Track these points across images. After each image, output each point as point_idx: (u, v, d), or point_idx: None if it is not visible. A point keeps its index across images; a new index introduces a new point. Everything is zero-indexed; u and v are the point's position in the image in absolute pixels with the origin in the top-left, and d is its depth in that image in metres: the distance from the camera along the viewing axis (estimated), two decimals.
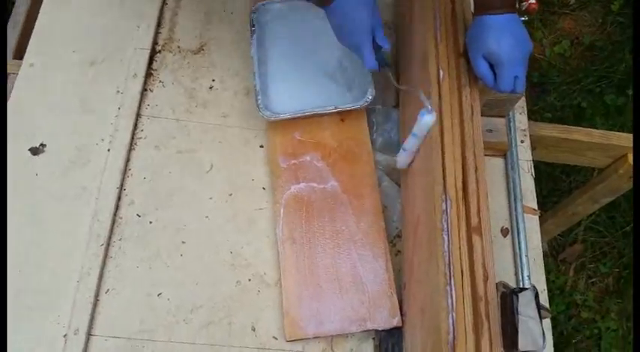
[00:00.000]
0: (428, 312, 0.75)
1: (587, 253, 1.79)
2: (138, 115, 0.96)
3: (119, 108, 0.95)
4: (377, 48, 0.82)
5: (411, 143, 0.86)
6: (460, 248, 0.74)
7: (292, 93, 0.98)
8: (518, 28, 0.78)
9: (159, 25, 1.03)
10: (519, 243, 0.97)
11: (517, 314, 0.67)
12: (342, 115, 0.97)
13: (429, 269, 0.76)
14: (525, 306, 0.67)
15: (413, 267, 0.84)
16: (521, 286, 0.91)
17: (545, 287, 0.97)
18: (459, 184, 0.78)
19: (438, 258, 0.73)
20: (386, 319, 0.86)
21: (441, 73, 0.84)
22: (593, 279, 1.77)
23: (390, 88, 1.07)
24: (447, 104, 0.82)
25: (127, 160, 0.92)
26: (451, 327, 0.70)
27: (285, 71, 0.99)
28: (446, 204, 0.76)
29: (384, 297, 0.87)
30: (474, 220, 0.76)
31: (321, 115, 0.95)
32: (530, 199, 1.04)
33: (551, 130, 1.14)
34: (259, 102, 0.93)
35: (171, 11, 1.06)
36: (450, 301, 0.71)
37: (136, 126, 0.95)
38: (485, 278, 0.73)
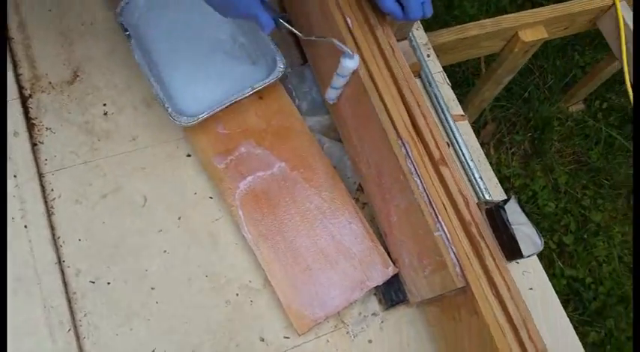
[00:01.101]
0: (426, 254, 0.75)
1: (500, 129, 1.91)
2: (40, 176, 0.83)
3: (15, 177, 0.82)
4: (265, 6, 0.74)
5: (338, 82, 0.83)
6: (434, 184, 0.74)
7: (199, 88, 0.89)
8: None
9: (15, 66, 0.88)
10: (463, 153, 1.00)
11: (510, 225, 0.69)
12: (259, 93, 0.90)
13: (412, 215, 0.76)
14: (513, 215, 0.69)
15: (390, 216, 0.84)
16: (482, 194, 0.94)
17: (497, 181, 1.02)
18: (409, 124, 0.76)
19: (419, 202, 0.73)
20: (381, 272, 0.86)
21: (348, 19, 0.79)
22: (512, 149, 1.90)
23: (291, 47, 1.01)
24: (366, 50, 0.78)
25: (52, 229, 0.81)
26: (455, 259, 0.71)
27: (181, 67, 0.90)
28: (405, 148, 0.75)
29: (372, 253, 0.86)
30: (436, 153, 0.75)
31: (239, 101, 0.88)
32: (455, 107, 1.06)
33: (449, 35, 1.15)
34: (169, 109, 0.84)
35: (22, 45, 0.90)
36: (444, 237, 0.72)
37: (43, 188, 0.83)
38: (467, 203, 0.74)
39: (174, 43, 0.91)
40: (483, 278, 0.71)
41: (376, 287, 0.87)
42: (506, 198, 0.70)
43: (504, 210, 0.68)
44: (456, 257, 0.71)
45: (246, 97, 0.88)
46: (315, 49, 0.94)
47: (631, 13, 1.31)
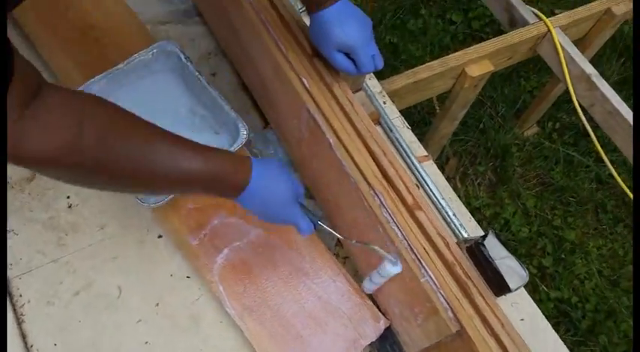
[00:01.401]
0: (416, 301, 0.74)
1: (462, 162, 1.95)
2: (6, 282, 0.79)
3: None
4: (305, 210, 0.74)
5: (377, 279, 0.79)
6: (412, 230, 0.74)
7: None
8: (353, 10, 0.78)
9: None
10: (433, 193, 1.01)
11: (492, 260, 0.69)
12: None
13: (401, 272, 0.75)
14: (494, 249, 0.69)
15: (372, 261, 0.82)
16: (459, 232, 0.95)
17: (470, 215, 1.03)
18: (379, 174, 0.77)
19: (400, 251, 0.72)
20: (373, 327, 0.84)
21: (304, 80, 0.81)
22: (478, 180, 1.94)
23: (250, 111, 1.02)
24: (326, 107, 0.80)
25: (23, 337, 0.76)
26: (445, 303, 0.70)
27: None
28: (378, 197, 0.75)
29: (361, 309, 0.85)
30: (409, 199, 0.76)
31: None
32: (417, 148, 1.08)
33: (401, 81, 1.19)
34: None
35: None
36: (431, 282, 0.71)
37: (10, 294, 0.78)
38: (447, 244, 0.74)
39: None
40: (476, 319, 0.70)
41: (371, 344, 0.85)
42: (484, 234, 0.70)
43: (484, 246, 0.69)
44: (445, 300, 0.70)
45: None
46: (276, 112, 0.95)
47: (566, 37, 1.38)
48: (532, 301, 0.92)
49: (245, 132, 0.89)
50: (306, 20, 0.83)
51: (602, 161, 2.01)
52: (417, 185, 1.02)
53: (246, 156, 0.77)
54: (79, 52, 0.97)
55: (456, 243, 0.74)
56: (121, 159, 0.57)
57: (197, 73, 0.93)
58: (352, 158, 0.78)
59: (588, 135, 2.08)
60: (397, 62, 2.10)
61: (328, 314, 0.84)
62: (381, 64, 0.82)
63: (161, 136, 0.61)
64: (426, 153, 1.09)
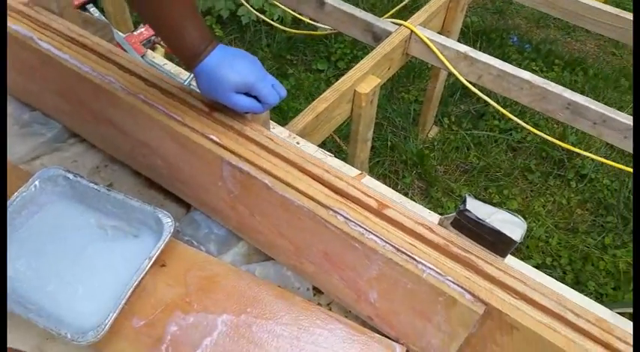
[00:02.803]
0: (428, 303, 0.67)
1: (388, 181, 1.95)
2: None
3: None
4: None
5: None
6: (389, 230, 0.68)
7: (87, 293, 0.75)
8: (235, 50, 0.76)
9: None
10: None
11: (483, 221, 0.64)
12: (159, 261, 0.79)
13: (390, 275, 0.68)
14: (480, 211, 0.65)
15: (368, 295, 0.74)
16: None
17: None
18: (329, 192, 0.71)
19: (388, 257, 0.65)
20: None
21: (212, 137, 0.75)
22: (409, 191, 1.94)
23: (165, 205, 0.93)
24: (246, 152, 0.74)
25: None
26: (458, 288, 0.64)
27: (56, 281, 0.76)
28: (340, 215, 0.69)
29: (370, 346, 0.75)
30: (371, 202, 0.70)
31: (142, 281, 0.76)
32: (349, 170, 1.04)
33: (303, 119, 1.17)
34: (67, 335, 0.69)
35: None
36: (433, 273, 0.65)
37: None
38: (430, 229, 0.68)
39: (38, 261, 0.78)
40: (497, 289, 0.64)
41: None
42: (462, 201, 0.65)
43: (469, 210, 0.64)
44: (457, 285, 0.64)
45: (147, 273, 0.76)
46: (195, 187, 0.87)
47: (429, 31, 1.45)
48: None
49: (170, 221, 0.80)
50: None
51: (507, 131, 2.13)
52: None
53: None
54: None
55: (439, 224, 0.69)
56: None
57: (92, 185, 0.83)
58: (296, 189, 0.71)
59: (482, 115, 2.21)
60: (288, 120, 2.11)
61: None
62: (283, 92, 0.79)
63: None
64: (359, 172, 1.05)
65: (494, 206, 0.65)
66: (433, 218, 0.95)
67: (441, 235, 0.68)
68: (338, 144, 1.95)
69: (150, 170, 0.94)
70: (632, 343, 0.60)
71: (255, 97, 0.77)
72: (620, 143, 1.33)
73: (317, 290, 0.84)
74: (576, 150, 1.51)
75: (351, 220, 0.68)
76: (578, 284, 1.72)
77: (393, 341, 0.76)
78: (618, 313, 0.80)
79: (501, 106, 1.52)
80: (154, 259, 0.77)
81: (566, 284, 0.89)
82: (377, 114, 2.11)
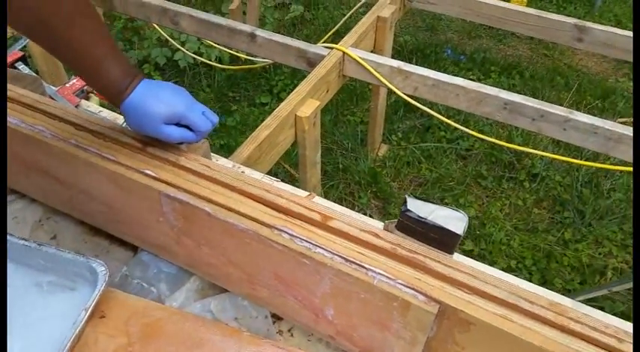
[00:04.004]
0: (384, 310, 0.65)
1: (345, 204, 1.95)
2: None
3: None
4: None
5: None
6: (335, 242, 0.67)
7: (32, 349, 0.71)
8: (160, 83, 0.75)
9: None
10: None
11: (425, 219, 0.64)
12: (98, 312, 0.75)
13: (342, 288, 0.66)
14: (421, 210, 0.65)
15: (324, 312, 0.72)
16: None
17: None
18: (272, 212, 0.70)
19: (338, 269, 0.64)
20: None
21: (147, 171, 0.73)
22: (368, 212, 1.94)
23: (111, 250, 0.89)
24: (185, 183, 0.73)
25: None
26: (410, 291, 0.63)
27: None
28: (285, 232, 0.67)
29: None
30: (315, 215, 0.69)
31: (81, 335, 0.72)
32: (298, 193, 1.03)
33: (247, 149, 1.17)
34: None
35: None
36: (384, 278, 0.64)
37: None
38: (376, 235, 0.68)
39: None
40: (448, 287, 0.63)
41: None
42: (403, 202, 0.65)
43: (410, 210, 0.64)
44: (408, 287, 0.63)
45: (85, 324, 0.72)
46: (137, 226, 0.84)
47: (361, 51, 1.48)
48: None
49: (103, 268, 0.77)
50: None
51: (454, 141, 2.18)
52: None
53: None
54: None
55: (384, 230, 0.69)
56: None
57: (22, 241, 0.80)
58: (238, 212, 0.70)
59: (429, 128, 2.25)
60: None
61: None
62: (215, 119, 0.78)
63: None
64: (308, 193, 1.04)
65: (434, 203, 0.65)
66: (379, 225, 0.95)
67: (387, 240, 0.67)
68: (288, 171, 1.95)
69: (91, 217, 0.90)
70: (587, 323, 0.60)
71: (186, 127, 0.76)
72: (560, 135, 1.38)
73: (276, 317, 0.82)
74: (525, 149, 1.55)
75: (296, 236, 0.67)
76: (545, 284, 1.74)
77: None
78: (580, 301, 0.81)
79: (445, 117, 1.55)
80: (89, 310, 0.72)
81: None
82: (325, 139, 2.14)
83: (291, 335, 0.80)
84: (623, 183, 2.03)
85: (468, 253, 1.81)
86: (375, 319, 0.67)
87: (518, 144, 2.10)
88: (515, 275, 1.69)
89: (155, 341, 0.74)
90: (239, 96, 2.38)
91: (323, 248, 0.66)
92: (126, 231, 0.87)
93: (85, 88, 1.35)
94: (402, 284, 0.63)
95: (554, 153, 2.11)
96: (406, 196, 0.65)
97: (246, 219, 0.69)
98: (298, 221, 0.69)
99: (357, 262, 0.65)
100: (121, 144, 0.79)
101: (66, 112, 0.85)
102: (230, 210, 0.70)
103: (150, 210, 0.77)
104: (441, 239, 0.64)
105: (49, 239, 0.94)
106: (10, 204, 0.99)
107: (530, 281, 1.70)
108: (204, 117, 0.76)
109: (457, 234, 0.63)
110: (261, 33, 1.54)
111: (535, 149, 2.10)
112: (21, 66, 1.33)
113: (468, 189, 2.02)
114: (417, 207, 0.64)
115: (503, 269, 1.71)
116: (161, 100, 0.72)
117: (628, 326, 0.69)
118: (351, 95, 2.37)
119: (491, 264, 1.78)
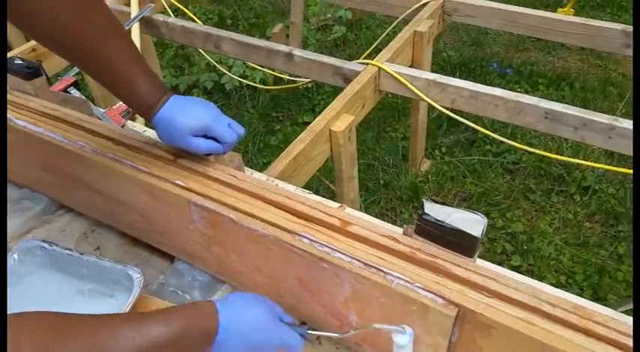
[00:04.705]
0: (404, 314, 0.65)
1: (387, 219, 1.93)
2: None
3: None
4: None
5: None
6: (354, 246, 0.68)
7: None
8: (189, 98, 0.79)
9: None
10: None
11: (443, 223, 0.64)
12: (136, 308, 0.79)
13: (362, 291, 0.67)
14: (439, 213, 0.64)
15: (348, 317, 0.73)
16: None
17: None
18: (293, 218, 0.72)
19: (358, 273, 0.65)
20: None
21: (178, 182, 0.77)
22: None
23: (150, 260, 0.94)
24: (212, 192, 0.76)
25: None
26: (428, 294, 0.62)
27: None
28: (305, 238, 0.69)
29: None
30: (334, 221, 0.70)
31: None
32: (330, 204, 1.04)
33: (280, 163, 1.20)
34: None
35: None
36: (402, 282, 0.64)
37: None
38: (395, 239, 0.68)
39: None
40: (468, 290, 0.62)
41: None
42: (420, 206, 0.65)
43: (427, 214, 0.63)
44: (427, 291, 0.63)
45: None
46: (171, 236, 0.88)
47: (397, 65, 1.49)
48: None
49: (139, 276, 0.81)
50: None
51: (500, 154, 2.13)
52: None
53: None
54: None
55: (404, 234, 0.69)
56: None
57: (67, 251, 0.86)
58: (260, 219, 0.72)
59: (473, 142, 2.21)
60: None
61: None
62: (241, 130, 0.81)
63: (107, 327, 0.56)
64: (339, 204, 1.05)
65: (452, 207, 0.65)
66: (399, 230, 0.95)
67: (406, 244, 0.67)
68: (326, 185, 1.96)
69: (131, 227, 0.95)
70: (613, 327, 0.57)
71: (213, 139, 0.79)
72: (604, 144, 1.33)
73: (303, 324, 0.83)
74: (574, 160, 1.50)
75: (316, 241, 0.68)
76: (598, 300, 1.65)
77: None
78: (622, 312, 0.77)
79: (490, 131, 1.53)
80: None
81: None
82: (367, 156, 2.14)
83: (320, 343, 0.81)
84: None
85: (515, 268, 1.75)
86: (396, 324, 0.67)
87: (568, 157, 2.03)
88: (567, 290, 1.63)
89: None
90: (282, 115, 2.44)
91: (342, 252, 0.67)
92: (161, 241, 0.91)
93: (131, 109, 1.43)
94: (420, 287, 0.63)
95: (605, 165, 2.03)
96: (423, 200, 0.65)
97: (268, 225, 0.71)
98: (318, 226, 0.70)
99: (376, 266, 0.65)
100: (154, 157, 0.84)
101: (104, 128, 0.90)
102: (253, 216, 0.73)
103: (181, 219, 0.81)
104: (459, 242, 0.63)
105: (93, 250, 0.99)
106: (59, 217, 1.06)
107: (582, 297, 1.63)
108: (230, 129, 0.79)
109: (475, 237, 0.62)
110: (297, 52, 1.58)
111: (586, 161, 2.03)
112: (73, 90, 1.42)
113: (515, 204, 1.96)
114: (435, 211, 0.64)
115: (552, 285, 1.66)
116: (189, 114, 0.76)
117: None
118: (392, 111, 2.38)
119: (540, 279, 1.71)
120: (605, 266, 1.72)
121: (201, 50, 2.17)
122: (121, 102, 1.44)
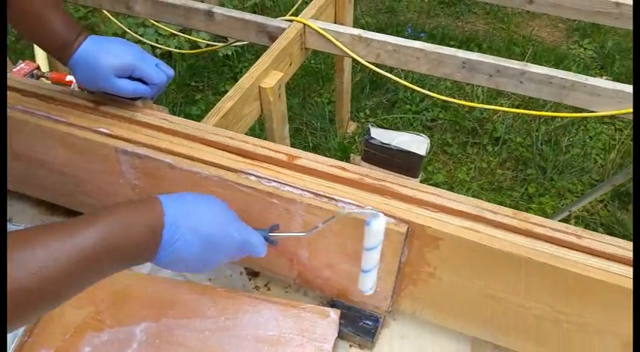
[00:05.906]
0: (356, 239, 0.67)
1: None
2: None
3: None
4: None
5: (370, 258, 0.65)
6: (303, 178, 0.68)
7: None
8: (107, 37, 0.74)
9: None
10: None
11: (389, 145, 0.65)
12: None
13: (315, 223, 0.67)
14: (384, 137, 0.66)
15: (292, 250, 0.73)
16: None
17: None
18: (237, 157, 0.71)
19: (308, 203, 0.65)
20: (327, 326, 0.73)
21: (102, 129, 0.73)
22: None
23: None
24: (142, 137, 0.73)
25: None
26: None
27: None
28: (252, 175, 0.68)
29: (303, 317, 0.73)
30: (281, 156, 0.70)
31: None
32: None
33: (211, 120, 1.16)
34: None
35: None
36: (354, 208, 0.65)
37: None
38: (343, 168, 0.69)
39: None
40: (415, 207, 0.65)
41: (344, 336, 0.74)
42: (366, 132, 0.67)
43: (373, 138, 0.65)
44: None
45: None
46: (98, 192, 0.83)
47: (322, 22, 1.49)
48: None
49: None
50: None
51: (419, 112, 2.21)
52: None
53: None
54: None
55: (352, 162, 0.70)
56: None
57: None
58: (201, 160, 0.70)
59: (395, 102, 2.28)
60: None
61: (277, 347, 0.71)
62: (170, 71, 0.77)
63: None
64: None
65: (395, 131, 0.67)
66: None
67: (354, 171, 0.68)
68: None
69: (50, 191, 0.88)
70: (549, 226, 0.62)
71: (139, 80, 0.74)
72: (517, 88, 1.41)
73: (252, 274, 0.83)
74: (489, 107, 1.59)
75: (264, 177, 0.68)
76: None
77: (328, 306, 0.75)
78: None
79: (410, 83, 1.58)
80: None
81: None
82: (294, 121, 2.15)
83: (268, 288, 0.81)
84: (580, 138, 2.12)
85: None
86: (350, 252, 0.68)
87: (482, 104, 2.15)
88: None
89: (125, 306, 0.74)
90: (202, 85, 2.37)
91: (291, 185, 0.67)
92: (87, 201, 0.85)
93: (35, 71, 1.34)
94: (370, 210, 0.64)
95: (514, 116, 2.17)
96: (369, 126, 0.66)
97: (210, 166, 0.69)
98: (264, 163, 0.70)
99: (326, 195, 0.66)
100: (71, 106, 0.78)
101: (11, 80, 0.82)
102: (192, 158, 0.70)
103: (108, 172, 0.76)
104: (405, 162, 0.66)
105: None
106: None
107: None
108: (157, 69, 0.75)
109: (420, 155, 0.65)
110: (218, 10, 1.54)
111: (496, 113, 2.18)
112: None
113: (435, 157, 2.06)
114: (380, 135, 0.66)
115: None
116: (110, 52, 0.71)
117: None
118: (317, 77, 2.39)
119: None
120: (518, 207, 1.86)
121: (109, 14, 2.04)
122: (21, 64, 1.34)
